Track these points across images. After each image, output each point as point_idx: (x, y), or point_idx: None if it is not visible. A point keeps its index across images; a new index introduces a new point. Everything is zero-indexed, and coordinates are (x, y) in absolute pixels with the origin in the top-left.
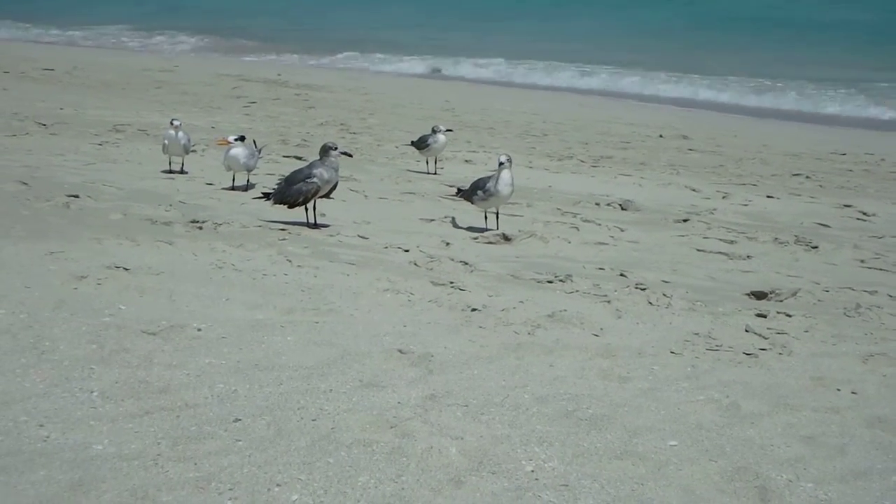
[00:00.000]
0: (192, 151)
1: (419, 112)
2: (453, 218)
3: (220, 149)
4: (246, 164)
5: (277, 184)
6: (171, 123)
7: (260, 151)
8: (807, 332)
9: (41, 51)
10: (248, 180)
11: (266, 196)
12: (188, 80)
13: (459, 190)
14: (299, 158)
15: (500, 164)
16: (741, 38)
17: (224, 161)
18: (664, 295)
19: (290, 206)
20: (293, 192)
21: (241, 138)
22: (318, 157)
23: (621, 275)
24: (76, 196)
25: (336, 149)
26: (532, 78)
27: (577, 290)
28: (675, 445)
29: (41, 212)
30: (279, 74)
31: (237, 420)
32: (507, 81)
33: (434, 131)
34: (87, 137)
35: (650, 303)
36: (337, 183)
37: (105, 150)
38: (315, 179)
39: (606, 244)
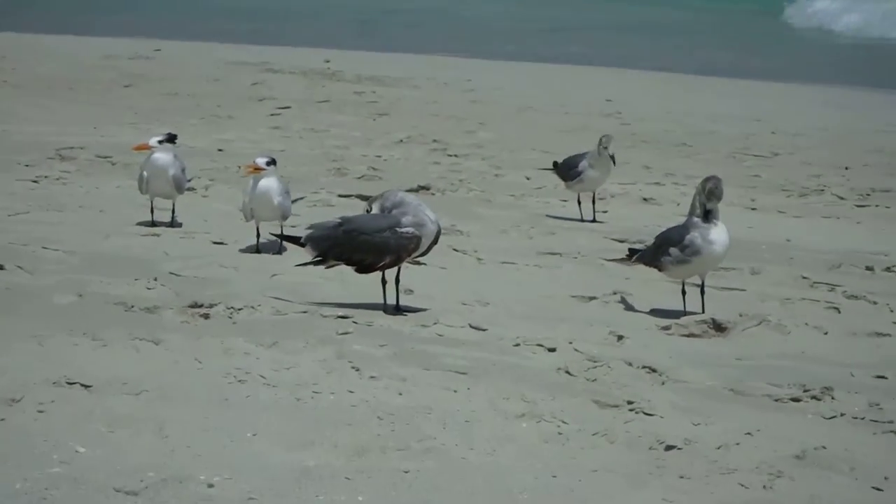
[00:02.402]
0: (190, 189)
1: (563, 119)
2: (626, 295)
3: (240, 182)
4: (282, 205)
5: (329, 227)
6: (155, 144)
7: (294, 200)
8: None
9: None
10: (281, 233)
11: (300, 241)
12: (178, 72)
13: (633, 251)
14: (366, 199)
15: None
16: None
17: (248, 201)
18: None
19: (363, 271)
20: (373, 245)
21: (272, 162)
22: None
23: None
24: (0, 267)
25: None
26: (746, 60)
27: (843, 414)
28: None
29: None
30: (328, 61)
31: None
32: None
33: (602, 145)
34: (15, 170)
35: None
36: (439, 233)
37: (45, 190)
38: (411, 229)
39: (889, 336)
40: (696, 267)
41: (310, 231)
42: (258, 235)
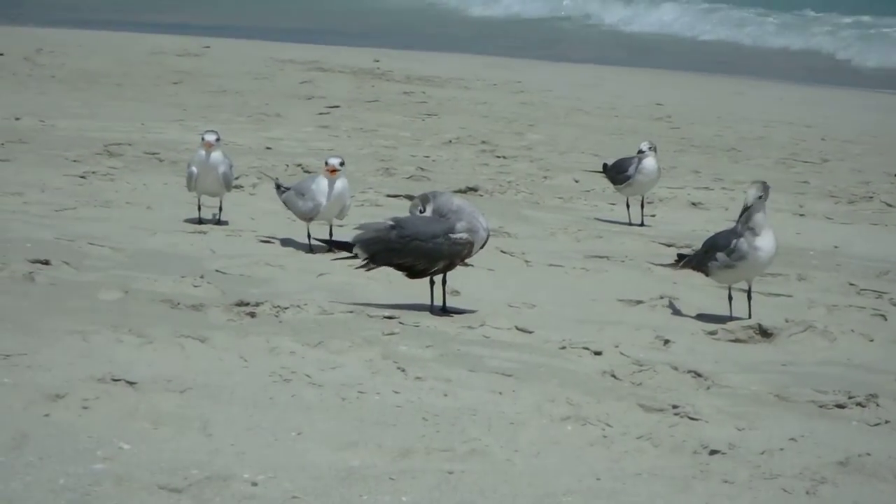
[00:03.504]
0: (237, 187)
1: (612, 121)
2: (675, 299)
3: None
4: (345, 205)
5: (376, 227)
6: (203, 140)
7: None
8: None
9: None
10: (330, 234)
11: (347, 245)
12: (227, 69)
13: (681, 257)
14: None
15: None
16: None
17: (323, 204)
18: None
19: (414, 276)
20: (426, 250)
21: (343, 163)
22: (424, 202)
23: None
24: (45, 262)
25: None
26: (808, 61)
27: (888, 421)
28: None
29: None
30: (377, 61)
31: None
32: (755, 61)
33: (641, 152)
34: (62, 165)
35: None
36: (489, 237)
37: (91, 186)
38: (465, 235)
39: None
40: (742, 272)
41: (359, 232)
42: (309, 236)
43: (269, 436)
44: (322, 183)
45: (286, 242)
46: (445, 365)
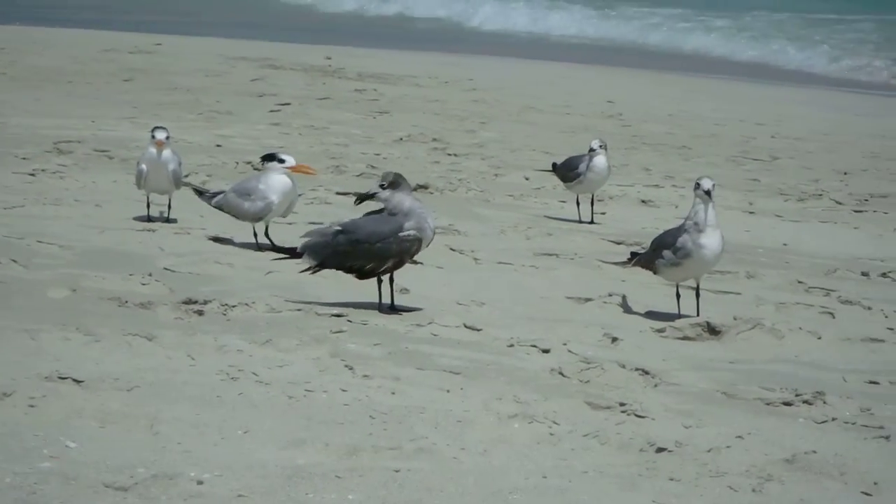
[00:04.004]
0: (187, 185)
1: (564, 119)
2: (623, 297)
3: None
4: (293, 202)
5: (321, 232)
6: (153, 137)
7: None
8: None
9: None
10: (266, 233)
11: (293, 252)
12: (179, 66)
13: (634, 255)
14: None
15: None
16: None
17: (276, 202)
18: None
19: (363, 277)
20: (375, 252)
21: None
22: (380, 184)
23: None
24: None
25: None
26: (767, 54)
27: (835, 419)
28: None
29: None
30: (329, 58)
31: None
32: (715, 56)
33: (592, 150)
34: (11, 163)
35: None
36: (434, 234)
37: (41, 184)
38: (413, 232)
39: (883, 341)
40: (688, 270)
41: (307, 240)
42: (255, 234)
43: (216, 434)
44: (272, 180)
45: (235, 241)
46: (394, 363)
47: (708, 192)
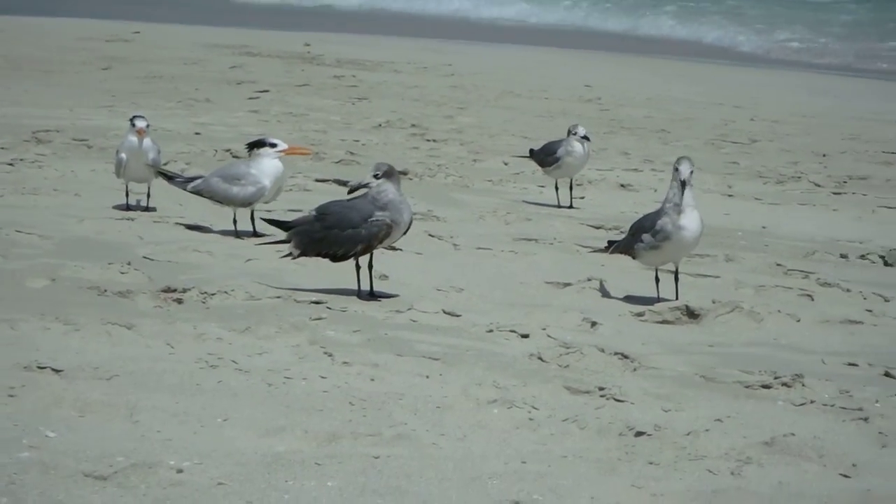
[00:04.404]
0: (155, 169)
1: (542, 104)
2: (602, 281)
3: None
4: (281, 188)
5: (304, 220)
6: (133, 125)
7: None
8: None
9: None
10: (252, 219)
11: (286, 239)
12: (157, 54)
13: (611, 243)
14: (344, 184)
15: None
16: None
17: (268, 186)
18: None
19: (336, 259)
20: (344, 238)
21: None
22: (374, 174)
23: (887, 374)
24: None
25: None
26: (737, 41)
27: (813, 401)
28: None
29: None
30: (307, 45)
31: None
32: (692, 40)
33: (570, 134)
34: None
35: None
36: (411, 222)
37: (19, 174)
38: (383, 217)
39: (861, 323)
40: (667, 253)
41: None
42: (235, 221)
43: (196, 422)
44: (264, 165)
45: (214, 228)
46: (373, 350)
47: (683, 183)
